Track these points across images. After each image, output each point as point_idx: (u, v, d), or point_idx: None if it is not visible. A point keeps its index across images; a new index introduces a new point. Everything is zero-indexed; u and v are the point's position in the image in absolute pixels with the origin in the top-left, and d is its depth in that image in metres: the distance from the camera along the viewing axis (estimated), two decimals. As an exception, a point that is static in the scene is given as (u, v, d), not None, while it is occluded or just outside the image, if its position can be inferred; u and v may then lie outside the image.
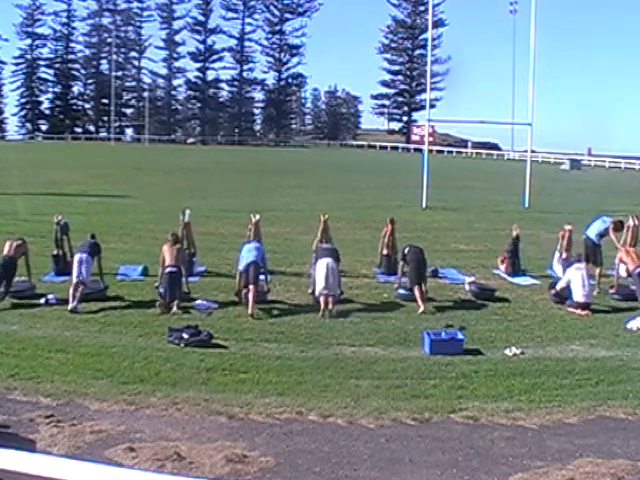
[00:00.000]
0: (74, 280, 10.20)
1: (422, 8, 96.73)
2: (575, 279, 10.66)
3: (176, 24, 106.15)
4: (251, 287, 10.07)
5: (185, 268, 11.03)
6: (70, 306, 9.85)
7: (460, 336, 8.76)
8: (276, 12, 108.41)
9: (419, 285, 10.58)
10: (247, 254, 10.66)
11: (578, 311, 10.47)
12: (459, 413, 6.70)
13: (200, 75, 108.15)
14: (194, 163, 48.57)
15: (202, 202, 23.99)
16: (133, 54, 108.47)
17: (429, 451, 5.93)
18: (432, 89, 58.91)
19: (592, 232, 12.64)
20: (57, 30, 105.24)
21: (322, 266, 10.38)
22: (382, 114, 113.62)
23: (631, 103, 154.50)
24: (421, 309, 10.27)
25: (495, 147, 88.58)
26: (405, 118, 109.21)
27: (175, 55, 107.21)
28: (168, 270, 10.34)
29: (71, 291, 10.03)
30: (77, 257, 10.53)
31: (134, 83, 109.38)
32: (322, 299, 10.05)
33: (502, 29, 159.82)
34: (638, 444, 6.08)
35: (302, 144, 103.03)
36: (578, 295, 10.55)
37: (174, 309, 9.96)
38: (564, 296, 10.90)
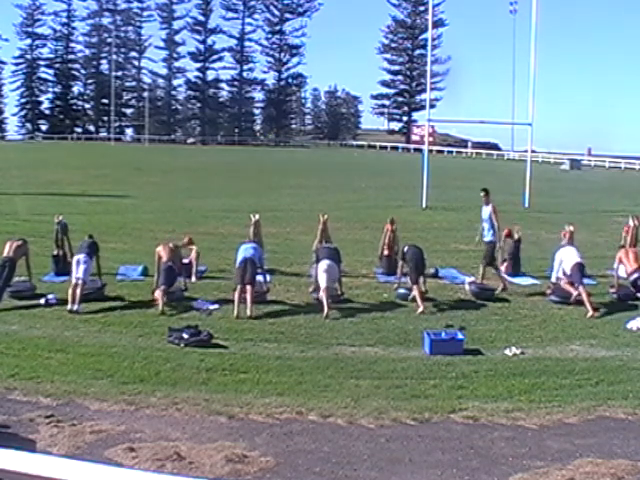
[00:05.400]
0: (73, 281, 10.21)
1: (422, 8, 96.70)
2: (567, 253, 11.08)
3: (176, 24, 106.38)
4: (248, 287, 10.02)
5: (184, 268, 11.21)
6: (69, 307, 9.86)
7: (460, 336, 8.76)
8: (276, 12, 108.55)
9: (418, 284, 10.58)
10: (243, 252, 10.64)
11: (588, 307, 10.42)
12: (459, 413, 6.70)
13: (200, 75, 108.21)
14: (194, 163, 48.56)
15: (202, 202, 24.03)
16: (133, 54, 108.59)
17: (429, 451, 5.92)
18: (432, 89, 58.89)
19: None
20: (57, 30, 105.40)
21: (323, 267, 10.40)
22: (382, 114, 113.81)
23: (631, 103, 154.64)
24: (420, 309, 10.27)
25: (495, 147, 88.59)
26: (405, 118, 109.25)
27: (175, 55, 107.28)
28: (167, 265, 10.46)
29: (70, 291, 10.03)
30: (76, 258, 10.55)
31: (134, 83, 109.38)
32: (324, 299, 10.03)
33: (502, 29, 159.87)
34: (638, 444, 6.08)
35: (302, 144, 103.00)
36: (572, 262, 10.85)
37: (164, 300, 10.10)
38: (563, 292, 10.94)
